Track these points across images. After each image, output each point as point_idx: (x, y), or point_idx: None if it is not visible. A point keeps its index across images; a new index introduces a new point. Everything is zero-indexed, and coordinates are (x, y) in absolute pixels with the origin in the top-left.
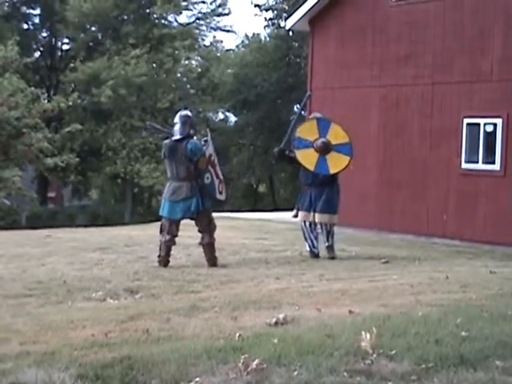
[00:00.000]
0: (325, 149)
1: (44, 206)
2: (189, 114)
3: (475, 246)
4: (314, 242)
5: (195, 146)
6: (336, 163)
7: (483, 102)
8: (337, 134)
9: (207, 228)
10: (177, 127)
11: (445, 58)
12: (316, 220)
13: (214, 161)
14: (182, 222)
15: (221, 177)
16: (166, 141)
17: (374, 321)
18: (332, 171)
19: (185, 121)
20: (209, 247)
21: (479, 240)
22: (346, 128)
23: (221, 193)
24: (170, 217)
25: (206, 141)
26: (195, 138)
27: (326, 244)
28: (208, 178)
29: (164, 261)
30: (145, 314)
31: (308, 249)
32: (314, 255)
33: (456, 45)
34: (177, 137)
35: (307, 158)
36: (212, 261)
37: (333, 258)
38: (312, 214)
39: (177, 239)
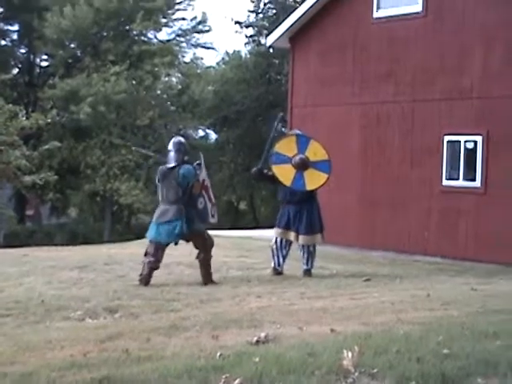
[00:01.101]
0: (302, 165)
1: (22, 225)
2: (182, 140)
3: (457, 264)
4: (281, 261)
5: (187, 171)
6: (313, 180)
7: (463, 120)
8: (316, 151)
9: (202, 247)
10: (171, 154)
11: (425, 75)
12: (300, 242)
13: (206, 185)
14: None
15: (213, 200)
16: (161, 167)
17: (355, 339)
18: (308, 187)
19: (179, 148)
20: (204, 263)
21: (461, 257)
22: (327, 145)
23: (213, 216)
24: (156, 239)
25: (199, 164)
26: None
27: (305, 267)
28: (201, 203)
29: (145, 280)
30: (124, 333)
31: (273, 265)
32: (277, 273)
33: (436, 62)
34: (171, 165)
35: (284, 174)
36: (206, 278)
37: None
38: (290, 232)
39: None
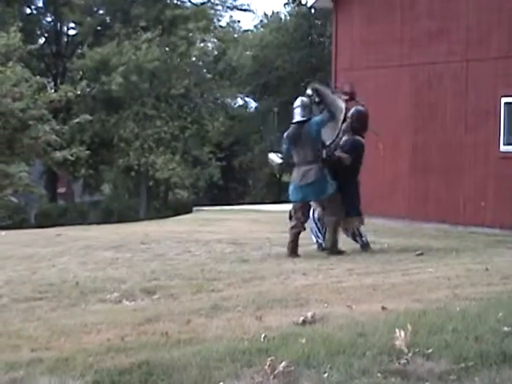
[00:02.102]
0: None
1: (53, 203)
2: (309, 93)
3: None
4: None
5: (320, 121)
6: None
7: None
8: None
9: (331, 209)
10: (297, 110)
11: (480, 32)
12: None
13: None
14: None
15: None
16: (289, 130)
17: (408, 317)
18: None
19: (304, 103)
20: (332, 228)
21: None
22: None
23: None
24: (303, 200)
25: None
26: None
27: (360, 243)
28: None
29: (292, 249)
30: (163, 315)
31: (316, 242)
32: (323, 248)
33: (492, 17)
34: (298, 119)
35: None
36: (330, 242)
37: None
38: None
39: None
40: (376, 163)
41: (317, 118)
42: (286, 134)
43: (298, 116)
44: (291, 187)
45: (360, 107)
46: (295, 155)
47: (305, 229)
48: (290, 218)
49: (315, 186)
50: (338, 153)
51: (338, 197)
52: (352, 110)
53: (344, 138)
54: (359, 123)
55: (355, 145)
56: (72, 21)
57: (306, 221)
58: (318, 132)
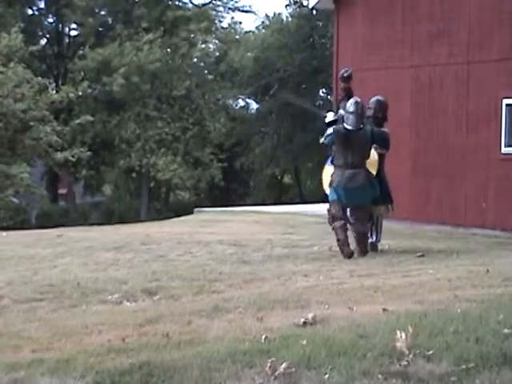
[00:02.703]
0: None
1: (55, 204)
2: (360, 100)
3: None
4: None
5: (385, 134)
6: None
7: None
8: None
9: (366, 216)
10: (351, 116)
11: (481, 34)
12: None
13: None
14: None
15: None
16: (338, 127)
17: (409, 319)
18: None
19: (359, 108)
20: (364, 236)
21: None
22: None
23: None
24: (348, 202)
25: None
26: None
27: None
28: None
29: (346, 244)
30: (164, 316)
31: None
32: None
33: (493, 19)
34: (353, 127)
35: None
36: (363, 251)
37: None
38: None
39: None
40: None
41: (380, 131)
42: (334, 128)
43: (352, 121)
44: (332, 190)
45: (380, 97)
46: (340, 156)
47: (348, 229)
48: (333, 220)
49: (363, 190)
50: (378, 150)
51: (369, 204)
52: (373, 100)
53: (368, 129)
54: (381, 113)
55: (385, 136)
56: (74, 22)
57: (347, 220)
58: (383, 141)
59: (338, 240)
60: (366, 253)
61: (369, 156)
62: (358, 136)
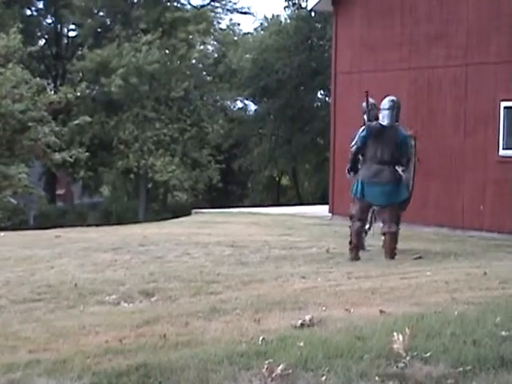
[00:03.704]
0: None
1: (53, 205)
2: (396, 99)
3: None
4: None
5: (409, 138)
6: None
7: None
8: None
9: (395, 217)
10: (385, 112)
11: (479, 36)
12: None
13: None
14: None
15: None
16: (372, 124)
17: (406, 321)
18: None
19: (395, 106)
20: (393, 237)
21: None
22: None
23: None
24: (373, 202)
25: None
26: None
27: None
28: (407, 179)
29: (355, 249)
30: (161, 317)
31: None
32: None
33: (492, 22)
34: (387, 123)
35: None
36: (392, 252)
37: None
38: None
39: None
40: None
41: (407, 134)
42: (368, 124)
43: (386, 118)
44: (358, 184)
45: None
46: (370, 151)
47: (366, 232)
48: (351, 217)
49: (388, 189)
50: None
51: (396, 204)
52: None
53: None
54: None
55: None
56: (72, 22)
57: (366, 222)
58: (405, 143)
59: (350, 242)
60: (394, 255)
61: (399, 156)
62: (390, 133)
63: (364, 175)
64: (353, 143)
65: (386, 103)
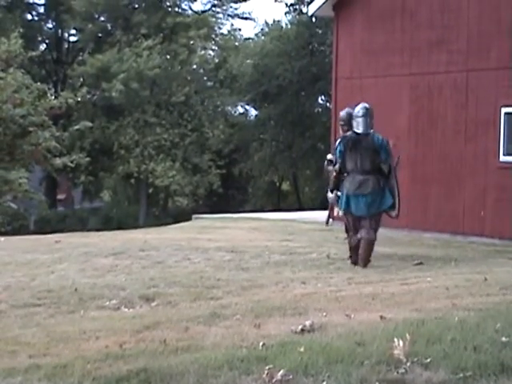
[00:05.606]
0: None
1: (53, 210)
2: (368, 106)
3: None
4: None
5: (386, 143)
6: None
7: None
8: None
9: (375, 225)
10: (359, 120)
11: (480, 42)
12: None
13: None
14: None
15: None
16: (347, 134)
17: (407, 327)
18: None
19: (368, 113)
20: (370, 244)
21: None
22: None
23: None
24: (356, 213)
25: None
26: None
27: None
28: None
29: (355, 263)
30: (162, 323)
31: None
32: None
33: (492, 27)
34: (361, 131)
35: None
36: (366, 260)
37: None
38: None
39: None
40: None
41: (384, 138)
42: (343, 135)
43: (361, 126)
44: (343, 197)
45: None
46: (350, 162)
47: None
48: (347, 231)
49: (373, 198)
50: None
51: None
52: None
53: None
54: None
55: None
56: (73, 27)
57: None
58: (385, 149)
59: (351, 257)
60: (368, 262)
61: (379, 163)
62: (366, 141)
63: (348, 188)
64: (325, 162)
65: (359, 110)
